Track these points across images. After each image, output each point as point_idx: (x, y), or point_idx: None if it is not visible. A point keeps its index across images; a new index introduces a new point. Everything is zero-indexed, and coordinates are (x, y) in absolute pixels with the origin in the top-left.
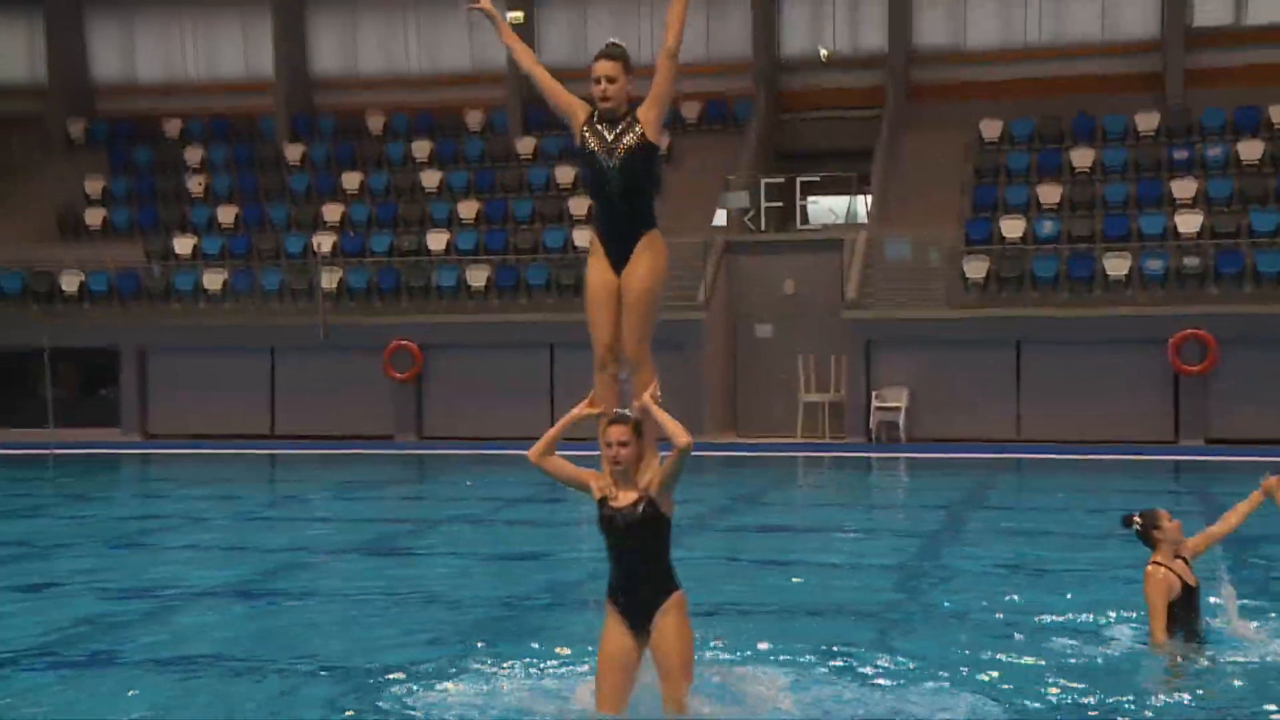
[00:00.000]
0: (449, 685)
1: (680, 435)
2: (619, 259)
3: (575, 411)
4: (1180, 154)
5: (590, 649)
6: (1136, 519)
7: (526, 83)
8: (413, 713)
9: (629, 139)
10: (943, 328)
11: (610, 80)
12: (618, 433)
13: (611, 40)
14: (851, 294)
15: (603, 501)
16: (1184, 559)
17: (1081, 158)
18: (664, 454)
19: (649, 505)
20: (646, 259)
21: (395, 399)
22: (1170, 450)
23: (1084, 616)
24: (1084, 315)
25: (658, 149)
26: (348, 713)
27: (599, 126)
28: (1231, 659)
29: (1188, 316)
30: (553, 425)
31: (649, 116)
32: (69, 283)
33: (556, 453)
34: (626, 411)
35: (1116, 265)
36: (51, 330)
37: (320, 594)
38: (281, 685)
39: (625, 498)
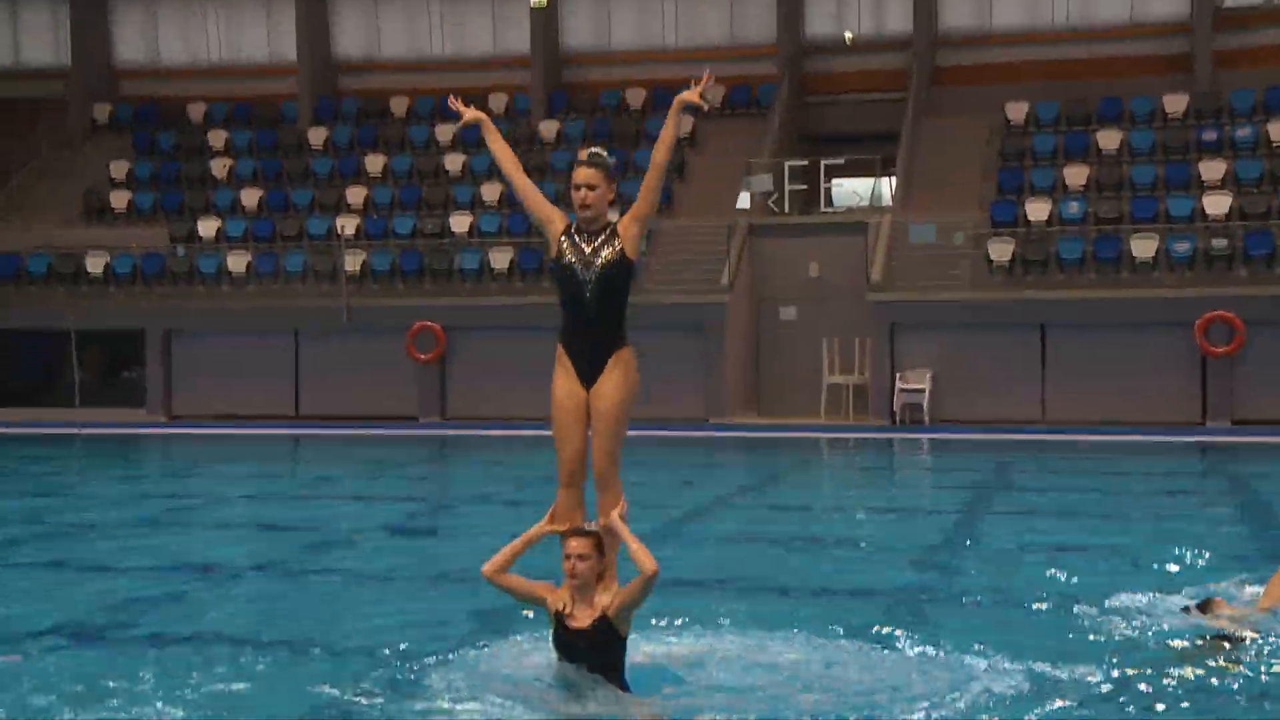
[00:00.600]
0: (464, 664)
1: (648, 563)
2: (588, 373)
3: (535, 530)
4: (1209, 135)
5: None
6: (1194, 607)
7: (551, 66)
8: (424, 690)
9: (607, 253)
10: (967, 310)
11: (590, 188)
12: (578, 545)
13: (594, 149)
14: (876, 277)
15: (558, 618)
16: None
17: (1108, 140)
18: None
19: (605, 628)
20: (618, 374)
21: (419, 380)
22: (1197, 432)
23: (1111, 596)
24: (1110, 297)
25: (635, 265)
26: (361, 695)
27: (576, 237)
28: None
29: (1215, 299)
30: (514, 538)
31: (630, 232)
32: (94, 265)
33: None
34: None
35: (1143, 247)
36: (77, 312)
37: (343, 573)
38: (298, 662)
39: (582, 617)
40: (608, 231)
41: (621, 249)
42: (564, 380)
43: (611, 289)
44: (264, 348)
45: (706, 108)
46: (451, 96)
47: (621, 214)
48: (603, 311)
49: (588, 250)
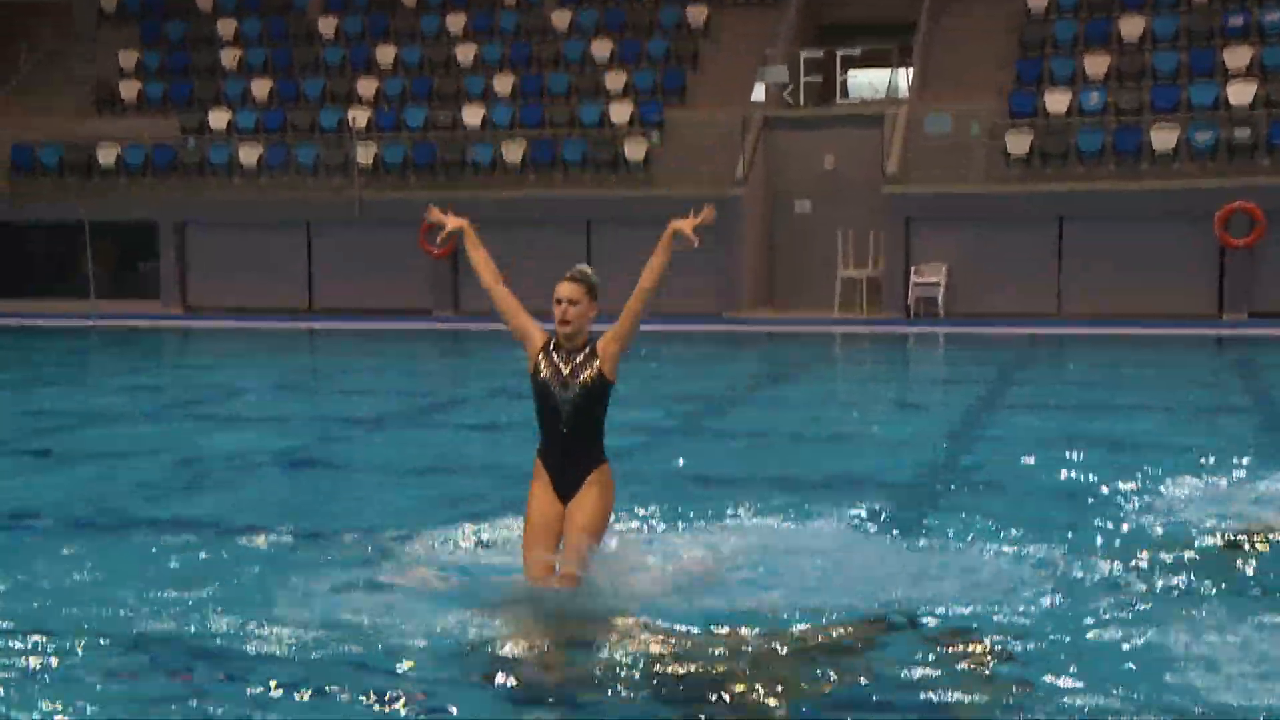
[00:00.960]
0: (467, 549)
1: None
2: (565, 490)
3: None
4: (1235, 20)
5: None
6: None
7: None
8: (437, 570)
9: (586, 374)
10: (983, 203)
11: (572, 303)
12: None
13: (579, 266)
14: (891, 169)
15: (546, 355)
16: None
17: (1131, 27)
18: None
19: (598, 376)
20: (595, 494)
21: (432, 274)
22: (1214, 325)
23: (1125, 488)
24: (1129, 189)
25: (613, 385)
26: (359, 582)
27: (555, 355)
28: None
29: (1236, 189)
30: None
31: (609, 351)
32: (105, 157)
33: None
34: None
35: (1164, 138)
36: (90, 205)
37: (354, 464)
38: (306, 550)
39: (571, 362)
40: (587, 351)
41: (600, 370)
42: (540, 496)
43: (589, 410)
44: (276, 241)
45: (697, 244)
46: (431, 208)
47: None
48: (580, 431)
49: (565, 370)
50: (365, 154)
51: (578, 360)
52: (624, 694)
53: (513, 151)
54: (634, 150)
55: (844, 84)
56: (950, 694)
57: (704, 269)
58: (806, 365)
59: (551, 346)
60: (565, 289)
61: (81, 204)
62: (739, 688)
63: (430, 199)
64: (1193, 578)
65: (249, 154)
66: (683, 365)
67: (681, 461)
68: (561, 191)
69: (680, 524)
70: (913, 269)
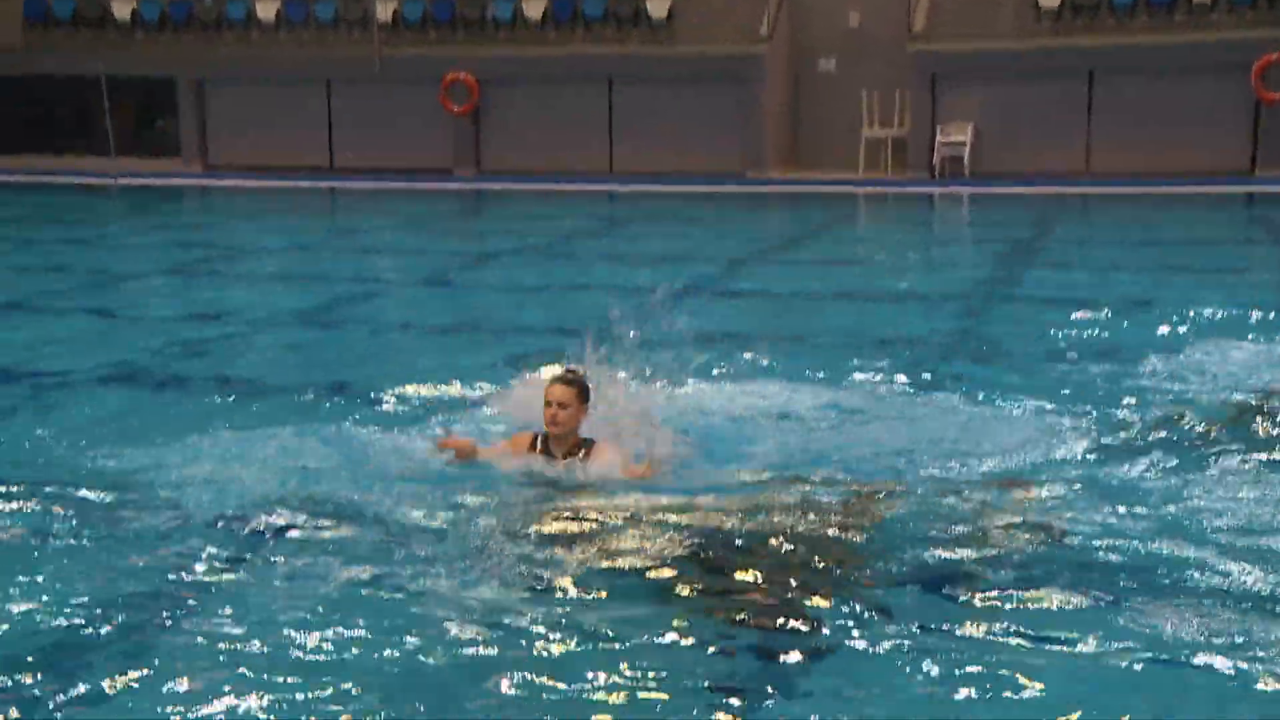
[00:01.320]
0: (487, 408)
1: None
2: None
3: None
4: None
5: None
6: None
7: None
8: (459, 429)
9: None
10: (1012, 59)
11: (562, 406)
12: (560, 393)
13: (570, 367)
14: (917, 26)
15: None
16: None
17: None
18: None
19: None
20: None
21: (453, 133)
22: (1246, 181)
23: (1149, 347)
24: (1163, 42)
25: None
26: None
27: (546, 445)
28: None
29: (1274, 40)
30: None
31: (602, 458)
32: (121, 10)
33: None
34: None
35: None
36: (107, 59)
37: (377, 323)
38: (322, 407)
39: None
40: (581, 454)
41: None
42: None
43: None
44: (296, 98)
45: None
46: (440, 429)
47: None
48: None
49: (559, 461)
50: (384, 9)
51: (567, 459)
52: (647, 552)
53: (533, 7)
54: (656, 6)
55: None
56: (977, 549)
57: (727, 128)
58: (829, 226)
59: (538, 445)
60: (557, 392)
61: (98, 58)
62: (760, 550)
63: (450, 56)
64: (1218, 435)
65: (266, 8)
66: (705, 226)
67: (701, 321)
68: (582, 48)
69: (699, 384)
70: (938, 128)
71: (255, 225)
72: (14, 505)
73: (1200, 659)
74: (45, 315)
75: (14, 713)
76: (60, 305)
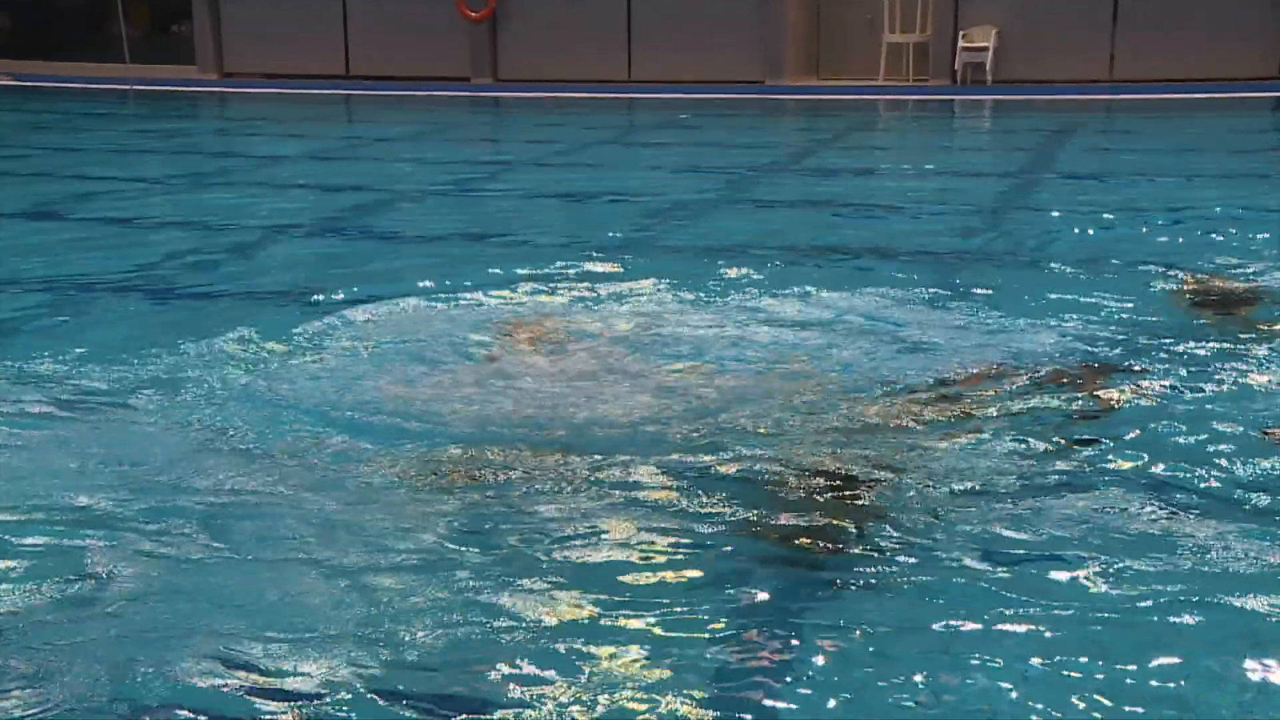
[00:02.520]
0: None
1: None
2: None
3: None
4: None
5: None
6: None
7: None
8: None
9: None
10: None
11: None
12: None
13: None
14: None
15: None
16: None
17: None
18: None
19: None
20: None
21: (470, 40)
22: (1276, 87)
23: (1176, 256)
24: None
25: None
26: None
27: None
28: None
29: None
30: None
31: None
32: None
33: None
34: None
35: None
36: None
37: (392, 232)
38: (351, 312)
39: None
40: None
41: None
42: None
43: None
44: (311, 4)
45: None
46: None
47: None
48: None
49: None
50: None
51: None
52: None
53: None
54: None
55: None
56: (1006, 460)
57: (746, 35)
58: (848, 133)
59: None
60: None
61: None
62: (779, 460)
63: None
64: (1247, 344)
65: None
66: (723, 133)
67: (718, 231)
68: None
69: (715, 295)
70: (961, 34)
71: (272, 132)
72: (36, 409)
73: None
74: (62, 222)
75: None
76: (72, 213)
